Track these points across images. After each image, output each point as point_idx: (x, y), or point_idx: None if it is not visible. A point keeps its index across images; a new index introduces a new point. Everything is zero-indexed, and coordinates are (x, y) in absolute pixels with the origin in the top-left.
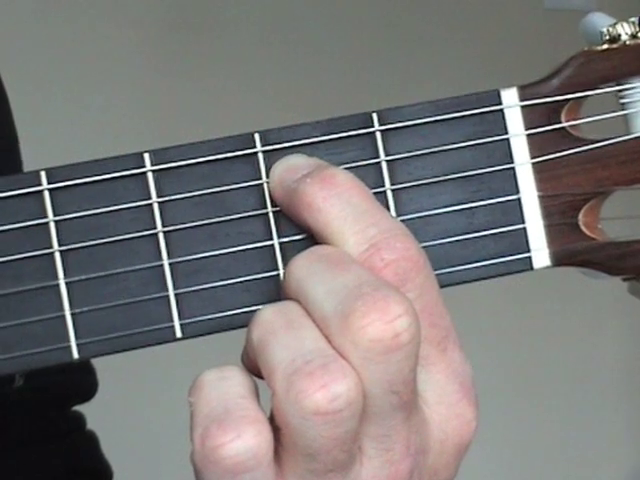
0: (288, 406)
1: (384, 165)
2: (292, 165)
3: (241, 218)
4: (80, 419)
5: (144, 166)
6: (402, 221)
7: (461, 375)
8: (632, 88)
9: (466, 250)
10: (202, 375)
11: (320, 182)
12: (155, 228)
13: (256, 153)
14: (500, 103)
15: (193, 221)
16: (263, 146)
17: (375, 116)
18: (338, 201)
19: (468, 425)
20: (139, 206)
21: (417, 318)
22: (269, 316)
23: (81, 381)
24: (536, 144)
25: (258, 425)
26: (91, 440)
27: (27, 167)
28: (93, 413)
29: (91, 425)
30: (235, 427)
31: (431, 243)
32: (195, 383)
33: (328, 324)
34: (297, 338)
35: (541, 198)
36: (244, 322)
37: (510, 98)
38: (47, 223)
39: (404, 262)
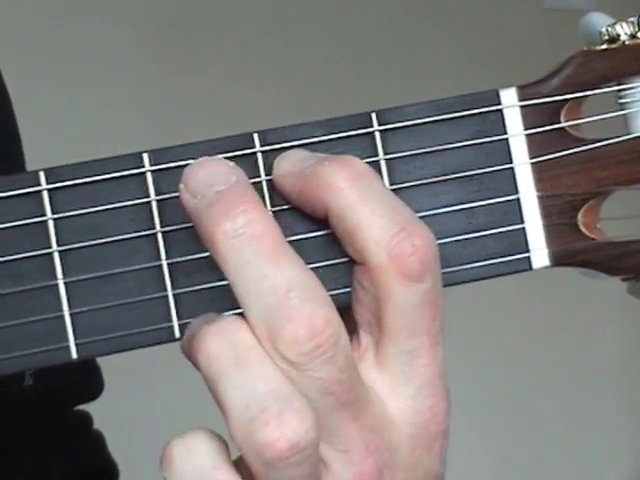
0: (249, 453)
1: (383, 165)
2: (303, 156)
3: None
4: (86, 418)
5: (143, 166)
6: None
7: (442, 371)
8: (631, 88)
9: (465, 250)
10: (169, 446)
11: (340, 164)
12: (154, 228)
13: (255, 153)
14: (499, 103)
15: (191, 221)
16: (262, 146)
17: (374, 116)
18: (360, 182)
19: (437, 417)
20: (138, 205)
21: (338, 318)
22: (216, 349)
23: (87, 380)
24: (535, 144)
25: None
26: (97, 439)
27: (28, 166)
28: (99, 412)
29: (97, 424)
30: None
31: None
32: (164, 455)
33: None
34: (248, 379)
35: (540, 198)
36: None
37: (509, 98)
38: (46, 223)
39: (429, 250)
